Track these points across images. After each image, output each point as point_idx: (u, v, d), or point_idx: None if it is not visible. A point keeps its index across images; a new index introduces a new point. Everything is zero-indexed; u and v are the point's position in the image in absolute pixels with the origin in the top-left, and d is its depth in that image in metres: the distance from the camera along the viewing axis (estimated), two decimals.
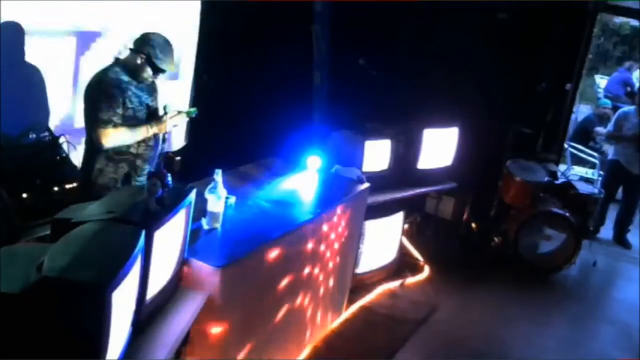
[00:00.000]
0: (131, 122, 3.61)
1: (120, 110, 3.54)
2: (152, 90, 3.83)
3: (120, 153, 3.65)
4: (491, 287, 5.41)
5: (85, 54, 4.65)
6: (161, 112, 3.79)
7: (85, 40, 4.64)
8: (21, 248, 2.22)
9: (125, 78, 3.61)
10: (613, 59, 12.83)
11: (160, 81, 3.89)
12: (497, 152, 5.96)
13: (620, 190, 6.70)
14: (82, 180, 3.86)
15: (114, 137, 3.54)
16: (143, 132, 3.66)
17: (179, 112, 3.83)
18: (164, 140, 3.93)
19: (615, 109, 8.20)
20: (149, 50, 3.59)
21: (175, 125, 3.87)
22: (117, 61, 3.67)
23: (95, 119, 3.52)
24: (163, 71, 3.69)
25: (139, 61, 3.61)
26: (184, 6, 5.50)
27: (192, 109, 3.91)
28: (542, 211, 5.73)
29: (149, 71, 3.64)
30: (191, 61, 5.73)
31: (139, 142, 3.69)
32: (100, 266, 1.89)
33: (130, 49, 3.65)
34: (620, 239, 6.66)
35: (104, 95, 3.51)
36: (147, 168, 3.76)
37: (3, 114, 3.93)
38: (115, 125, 3.53)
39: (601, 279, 6.04)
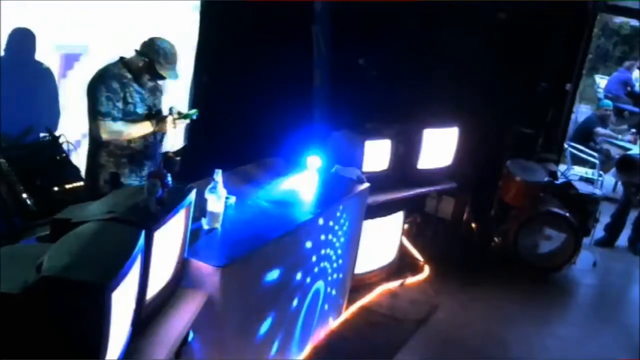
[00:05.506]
0: (131, 117, 3.66)
1: (120, 105, 3.61)
2: (155, 90, 3.86)
3: (121, 148, 3.70)
4: (491, 287, 5.40)
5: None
6: (166, 113, 3.82)
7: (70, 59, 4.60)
8: (21, 248, 2.21)
9: (128, 75, 3.67)
10: (613, 59, 12.83)
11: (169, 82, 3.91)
12: (497, 152, 5.95)
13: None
14: (86, 176, 3.92)
15: (112, 129, 3.59)
16: (142, 128, 3.70)
17: (179, 114, 3.85)
18: (161, 139, 3.95)
19: (616, 109, 8.19)
20: (152, 55, 3.66)
21: (175, 127, 3.88)
22: (122, 59, 3.73)
23: (95, 111, 3.58)
24: (163, 77, 3.75)
25: (141, 64, 3.69)
26: (184, 6, 5.50)
27: (193, 111, 3.91)
28: (542, 211, 5.73)
29: (149, 75, 3.71)
30: (191, 61, 5.73)
31: (138, 138, 3.72)
32: (100, 266, 1.88)
33: (136, 51, 3.72)
34: (634, 243, 6.48)
35: (105, 88, 3.57)
36: (148, 163, 3.81)
37: (4, 114, 3.94)
38: (114, 119, 3.58)
39: (601, 279, 6.04)
